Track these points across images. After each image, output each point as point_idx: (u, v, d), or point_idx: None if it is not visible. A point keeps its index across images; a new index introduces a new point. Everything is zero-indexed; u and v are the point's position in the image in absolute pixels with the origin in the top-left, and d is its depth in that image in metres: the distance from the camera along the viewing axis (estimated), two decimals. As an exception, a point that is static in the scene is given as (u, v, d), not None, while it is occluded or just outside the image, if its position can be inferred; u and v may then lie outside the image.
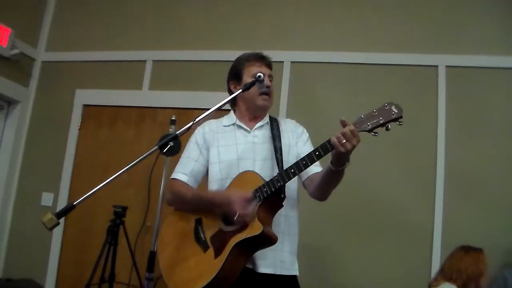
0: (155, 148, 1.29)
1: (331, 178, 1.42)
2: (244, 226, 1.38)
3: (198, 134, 1.63)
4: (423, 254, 2.32)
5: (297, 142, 1.63)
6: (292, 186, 1.49)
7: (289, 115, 2.60)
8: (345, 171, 1.37)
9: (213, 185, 1.55)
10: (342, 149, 1.28)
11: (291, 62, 2.73)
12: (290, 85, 2.71)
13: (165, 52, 2.98)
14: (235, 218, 1.37)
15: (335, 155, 1.33)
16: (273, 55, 2.50)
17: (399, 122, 1.29)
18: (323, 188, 1.49)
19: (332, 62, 2.68)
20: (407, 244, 2.36)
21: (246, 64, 1.62)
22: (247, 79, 1.58)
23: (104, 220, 2.43)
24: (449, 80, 2.51)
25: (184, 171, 1.58)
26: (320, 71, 2.70)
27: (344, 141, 1.27)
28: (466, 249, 1.90)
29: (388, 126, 1.30)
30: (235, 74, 1.64)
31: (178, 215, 1.58)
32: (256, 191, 1.41)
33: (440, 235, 2.32)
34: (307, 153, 1.41)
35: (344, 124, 1.29)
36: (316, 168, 1.51)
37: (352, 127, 1.28)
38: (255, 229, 1.36)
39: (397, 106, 1.29)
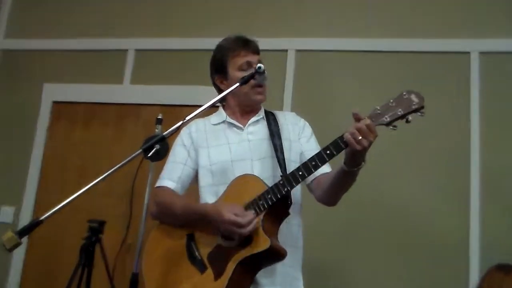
0: (138, 151, 1.29)
1: (344, 180, 1.42)
2: (247, 239, 1.38)
3: (184, 135, 1.64)
4: (457, 274, 2.28)
5: (300, 137, 1.64)
6: (295, 189, 1.48)
7: (294, 111, 2.51)
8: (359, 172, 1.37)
9: (205, 192, 1.56)
10: (358, 147, 1.28)
11: (296, 50, 2.75)
12: (295, 77, 2.72)
13: (149, 40, 2.98)
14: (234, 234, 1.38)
15: (349, 154, 1.33)
16: (276, 43, 2.47)
17: (421, 113, 1.29)
18: (333, 192, 1.50)
19: (344, 50, 2.69)
20: (437, 262, 2.34)
21: (230, 55, 1.62)
22: (234, 73, 1.59)
23: (77, 237, 2.40)
24: (483, 68, 2.49)
25: (172, 177, 1.59)
26: (330, 61, 2.70)
27: (360, 137, 1.27)
28: (507, 270, 1.84)
29: (408, 118, 1.30)
30: (219, 67, 1.65)
31: (165, 230, 1.57)
32: (258, 198, 1.41)
33: (478, 253, 2.30)
34: (313, 151, 1.43)
35: (357, 118, 1.30)
36: (324, 168, 1.50)
37: (368, 121, 1.28)
38: (262, 243, 1.36)
39: (417, 95, 1.30)
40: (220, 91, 1.65)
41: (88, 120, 3.02)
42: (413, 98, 1.29)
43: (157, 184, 1.61)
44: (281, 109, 2.61)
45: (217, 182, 1.55)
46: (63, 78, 3.04)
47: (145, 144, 1.28)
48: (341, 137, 1.33)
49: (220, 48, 1.66)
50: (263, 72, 1.48)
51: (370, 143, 1.28)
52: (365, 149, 1.30)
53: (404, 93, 1.32)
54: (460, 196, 2.37)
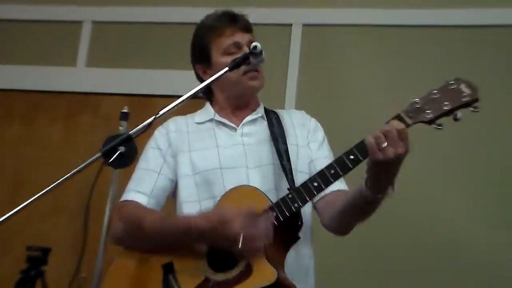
0: (96, 156, 1.22)
1: (361, 208, 1.37)
2: (246, 271, 1.34)
3: (159, 136, 1.60)
4: None
5: (309, 141, 1.60)
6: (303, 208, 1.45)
7: (299, 103, 2.58)
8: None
9: (187, 209, 1.51)
10: (380, 156, 1.20)
11: (303, 25, 2.67)
12: (301, 57, 2.65)
13: (111, 9, 2.89)
14: (239, 246, 1.29)
15: (371, 170, 1.26)
16: (278, 15, 2.49)
17: (474, 108, 1.24)
18: (345, 221, 1.46)
19: (360, 24, 2.63)
20: (470, 281, 2.29)
21: (212, 36, 1.58)
22: (220, 59, 1.55)
23: (11, 270, 2.07)
24: None
25: (142, 189, 1.53)
26: (343, 37, 2.65)
27: (385, 144, 1.20)
28: None
29: (457, 114, 1.24)
30: (199, 52, 1.61)
31: (133, 258, 1.49)
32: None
33: None
34: (326, 159, 1.44)
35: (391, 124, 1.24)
36: (337, 184, 1.42)
37: (401, 126, 1.22)
38: (265, 276, 1.30)
39: (469, 84, 1.25)
40: (202, 82, 1.60)
41: (30, 114, 2.92)
42: (464, 88, 1.24)
43: (123, 198, 1.55)
44: (282, 98, 2.57)
45: (203, 196, 1.50)
46: None
47: (106, 146, 1.22)
48: (363, 141, 1.30)
49: (200, 29, 1.62)
50: (260, 53, 1.38)
51: (398, 156, 1.20)
52: (390, 163, 1.21)
53: (452, 82, 1.26)
54: (500, 210, 2.32)
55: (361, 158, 1.28)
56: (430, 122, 1.25)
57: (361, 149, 1.28)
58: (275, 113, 1.64)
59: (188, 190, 1.52)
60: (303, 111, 1.68)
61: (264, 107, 1.65)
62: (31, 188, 1.26)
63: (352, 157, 1.29)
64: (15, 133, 2.88)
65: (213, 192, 1.48)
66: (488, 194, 2.35)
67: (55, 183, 1.18)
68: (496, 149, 2.39)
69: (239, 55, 1.44)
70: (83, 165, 1.20)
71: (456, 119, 1.23)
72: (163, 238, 1.43)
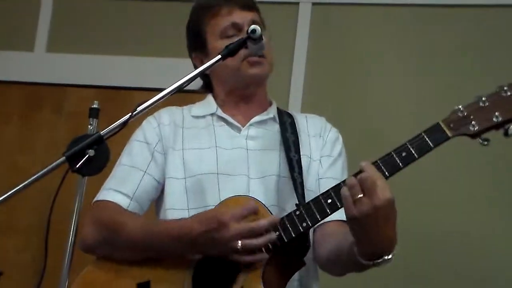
0: (60, 160, 1.18)
1: (352, 266, 1.34)
2: None
3: (148, 127, 1.58)
4: None
5: (322, 155, 1.58)
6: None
7: (307, 86, 2.60)
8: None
9: (174, 217, 1.46)
10: (354, 212, 1.17)
11: (312, 3, 2.67)
12: (310, 40, 2.64)
13: None
14: (234, 256, 1.31)
15: (351, 230, 1.23)
16: None
17: None
18: (337, 268, 1.45)
19: (378, 4, 2.64)
20: None
21: (207, 16, 1.56)
22: (215, 43, 1.53)
23: None
24: None
25: (123, 189, 1.51)
26: (358, 17, 2.66)
27: (360, 195, 1.18)
28: None
29: (510, 127, 1.22)
30: (194, 40, 1.61)
31: (105, 271, 1.47)
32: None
33: None
34: (336, 181, 1.40)
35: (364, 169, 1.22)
36: (339, 212, 1.39)
37: (376, 174, 1.19)
38: None
39: None
40: (204, 76, 1.58)
41: None
42: None
43: (98, 198, 1.52)
44: (287, 86, 2.55)
45: (193, 205, 1.48)
46: None
47: (71, 148, 1.18)
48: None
49: (194, 10, 1.62)
50: (260, 38, 1.34)
51: (375, 210, 1.15)
52: (367, 219, 1.17)
53: (505, 88, 1.24)
54: None
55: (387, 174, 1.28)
56: (474, 135, 1.23)
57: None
58: (290, 116, 1.63)
59: (176, 196, 1.51)
60: (323, 118, 1.67)
61: (278, 108, 1.65)
62: None
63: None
64: None
65: (205, 200, 1.47)
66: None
67: (7, 194, 1.14)
68: None
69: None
70: (42, 171, 1.18)
71: (507, 134, 1.23)
72: (146, 248, 1.41)
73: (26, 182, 1.15)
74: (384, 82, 2.56)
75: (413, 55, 2.58)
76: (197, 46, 1.59)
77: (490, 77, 2.40)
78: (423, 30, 2.60)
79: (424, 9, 2.61)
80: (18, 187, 1.15)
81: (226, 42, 1.44)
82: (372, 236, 1.21)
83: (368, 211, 1.17)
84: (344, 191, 1.21)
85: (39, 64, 2.80)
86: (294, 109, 2.49)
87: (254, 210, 1.34)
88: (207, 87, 1.64)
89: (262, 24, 1.58)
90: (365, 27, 2.65)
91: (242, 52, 1.42)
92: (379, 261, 1.23)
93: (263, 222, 1.32)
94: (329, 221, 1.44)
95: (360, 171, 1.22)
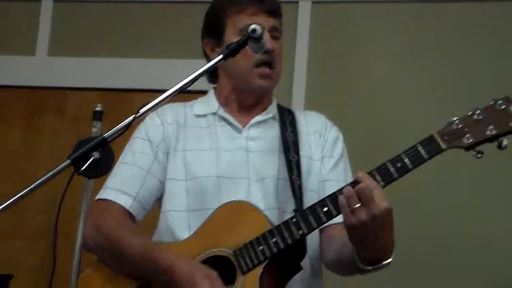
0: (65, 163, 1.16)
1: (353, 270, 1.35)
2: None
3: (151, 125, 1.58)
4: None
5: (323, 156, 1.59)
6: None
7: (310, 85, 2.61)
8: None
9: (172, 220, 1.52)
10: (352, 221, 1.21)
11: (312, 2, 2.67)
12: (311, 40, 2.65)
13: None
14: None
15: (349, 237, 1.26)
16: None
17: None
18: (342, 270, 1.47)
19: (379, 1, 2.64)
20: None
21: (230, 11, 1.57)
22: (232, 37, 1.52)
23: None
24: None
25: (126, 189, 1.51)
26: (360, 15, 2.66)
27: (358, 205, 1.21)
28: None
29: (503, 141, 1.24)
30: (212, 27, 1.61)
31: (105, 272, 1.48)
32: (257, 242, 1.37)
33: None
34: (340, 183, 1.43)
35: (360, 180, 1.25)
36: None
37: (373, 184, 1.22)
38: None
39: None
40: (209, 62, 1.56)
41: None
42: None
43: (102, 196, 1.51)
44: (289, 84, 2.56)
45: (193, 207, 1.50)
46: None
47: (76, 151, 1.17)
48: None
49: (217, 1, 1.64)
50: (260, 37, 1.33)
51: (373, 219, 1.19)
52: (365, 227, 1.20)
53: (500, 102, 1.26)
54: None
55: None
56: (468, 148, 1.25)
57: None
58: (291, 113, 1.63)
59: (178, 198, 1.51)
60: (323, 116, 1.67)
61: (278, 105, 1.65)
62: None
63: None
64: None
65: (205, 203, 1.47)
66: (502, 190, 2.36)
67: (14, 199, 1.13)
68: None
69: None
70: (48, 175, 1.17)
71: (500, 147, 1.23)
72: (140, 269, 1.42)
73: (32, 186, 1.15)
74: (386, 79, 2.55)
75: (414, 51, 2.56)
76: (212, 33, 1.59)
77: (490, 75, 2.41)
78: (424, 26, 2.58)
79: (425, 5, 2.59)
80: (24, 191, 1.15)
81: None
82: (370, 243, 1.24)
83: (366, 220, 1.20)
84: (342, 200, 1.24)
85: (41, 68, 2.81)
86: (297, 107, 2.48)
87: None
88: (212, 77, 1.64)
89: (280, 32, 1.60)
90: (365, 24, 2.63)
91: (256, 56, 1.46)
92: (377, 266, 1.27)
93: None
94: (335, 223, 1.44)
95: (356, 181, 1.25)
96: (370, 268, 1.27)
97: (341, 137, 1.64)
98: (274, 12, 1.58)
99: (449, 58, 2.51)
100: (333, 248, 1.48)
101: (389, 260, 1.27)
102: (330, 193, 1.36)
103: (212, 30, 1.59)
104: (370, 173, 1.28)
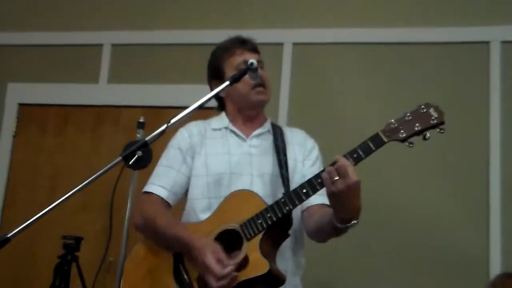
0: (118, 159, 1.33)
1: (333, 232, 1.48)
2: (244, 262, 1.44)
3: (181, 137, 1.71)
4: None
5: (304, 159, 1.71)
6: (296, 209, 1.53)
7: (291, 113, 2.73)
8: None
9: (197, 205, 1.63)
10: (332, 189, 1.33)
11: (293, 43, 2.85)
12: (292, 74, 2.80)
13: (128, 33, 3.08)
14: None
15: (330, 202, 1.39)
16: (270, 35, 2.56)
17: (440, 130, 1.37)
18: (322, 235, 1.57)
19: (347, 42, 2.76)
20: (456, 278, 2.42)
21: (225, 55, 1.71)
22: (230, 74, 1.65)
23: (51, 256, 2.47)
24: (505, 59, 2.58)
25: (163, 184, 1.64)
26: (331, 55, 2.77)
27: (337, 177, 1.32)
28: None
29: (426, 134, 1.38)
30: (215, 72, 1.74)
31: (150, 245, 1.63)
32: (257, 217, 1.48)
33: (500, 269, 2.38)
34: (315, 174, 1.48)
35: (337, 161, 1.35)
36: (318, 198, 1.55)
37: (347, 163, 1.33)
38: (260, 267, 1.42)
39: (436, 109, 1.38)
40: (219, 99, 1.74)
41: (61, 125, 3.11)
42: (432, 112, 1.37)
43: (146, 189, 1.65)
44: (277, 111, 2.69)
45: (212, 195, 1.61)
46: (31, 77, 3.14)
47: (126, 150, 1.33)
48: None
49: (214, 52, 1.77)
50: (256, 69, 1.54)
51: (348, 187, 1.31)
52: (343, 194, 1.32)
53: (422, 106, 1.39)
54: (479, 208, 2.47)
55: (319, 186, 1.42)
56: (403, 140, 1.38)
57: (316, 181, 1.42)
58: (280, 128, 1.75)
59: (200, 189, 1.64)
60: (303, 131, 1.79)
61: (271, 122, 1.77)
62: (63, 188, 1.32)
63: (319, 180, 1.44)
64: (49, 142, 3.09)
65: (220, 192, 1.60)
66: (446, 184, 2.51)
67: (84, 183, 1.29)
68: (451, 147, 2.46)
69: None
70: (106, 167, 1.30)
71: (425, 139, 1.37)
72: (167, 242, 1.57)
73: (96, 175, 1.30)
74: (351, 106, 2.68)
75: (375, 85, 2.68)
76: (216, 76, 1.72)
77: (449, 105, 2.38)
78: (382, 64, 2.71)
79: (382, 47, 2.72)
80: (91, 178, 1.30)
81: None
82: (345, 205, 1.35)
83: (342, 188, 1.32)
84: (325, 175, 1.35)
85: (103, 92, 3.08)
86: (282, 122, 2.64)
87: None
88: (221, 106, 1.78)
89: (262, 63, 1.73)
90: (335, 62, 2.76)
91: (250, 82, 1.61)
92: (349, 224, 1.38)
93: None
94: (313, 204, 1.59)
95: (334, 162, 1.36)
96: (343, 226, 1.38)
97: (316, 146, 1.76)
98: (255, 49, 1.73)
99: (407, 91, 2.63)
100: (313, 220, 1.58)
101: (356, 221, 1.38)
102: (307, 179, 1.48)
103: (215, 73, 1.73)
104: (344, 156, 1.38)
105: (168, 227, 1.54)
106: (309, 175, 1.54)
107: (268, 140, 1.70)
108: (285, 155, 1.65)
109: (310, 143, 1.75)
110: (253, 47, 1.73)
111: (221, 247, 1.46)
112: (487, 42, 2.61)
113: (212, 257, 1.41)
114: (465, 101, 2.56)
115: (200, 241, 1.47)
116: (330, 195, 1.35)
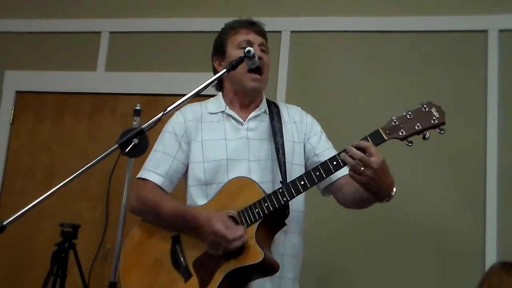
0: (114, 147, 1.33)
1: (373, 203, 1.48)
2: (240, 250, 1.44)
3: (176, 122, 1.68)
4: (473, 277, 2.22)
5: (309, 137, 1.70)
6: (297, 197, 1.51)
7: (289, 101, 2.65)
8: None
9: (195, 192, 1.63)
10: (363, 180, 1.35)
11: (291, 32, 2.84)
12: (290, 62, 2.79)
13: (126, 20, 3.07)
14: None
15: (366, 190, 1.39)
16: (268, 23, 2.49)
17: (440, 130, 1.37)
18: (362, 206, 1.57)
19: (345, 31, 2.77)
20: (451, 267, 2.43)
21: (230, 33, 1.70)
22: (232, 51, 1.66)
23: (48, 243, 2.49)
24: (503, 48, 2.57)
25: (158, 170, 1.63)
26: (329, 43, 2.77)
27: (362, 168, 1.33)
28: (509, 268, 1.91)
29: (426, 134, 1.37)
30: (217, 46, 1.73)
31: (147, 228, 1.62)
32: (254, 206, 1.48)
33: (495, 257, 2.38)
34: (329, 151, 1.56)
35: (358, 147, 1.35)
36: (344, 170, 1.51)
37: (368, 144, 1.33)
38: (254, 255, 1.43)
39: (438, 109, 1.37)
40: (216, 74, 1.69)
41: (58, 112, 3.11)
42: (434, 112, 1.37)
43: (140, 175, 1.64)
44: (273, 98, 2.44)
45: (209, 181, 1.61)
46: (28, 65, 3.13)
47: (122, 138, 1.33)
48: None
49: (223, 29, 1.76)
50: (253, 56, 1.51)
51: (375, 171, 1.32)
52: (375, 178, 1.33)
53: (424, 106, 1.38)
54: (476, 197, 2.47)
55: (342, 165, 1.42)
56: (402, 139, 1.39)
57: (339, 162, 1.42)
58: (276, 105, 1.72)
59: (197, 175, 1.63)
60: (299, 108, 1.77)
61: (266, 99, 1.74)
62: (60, 176, 1.33)
63: (334, 163, 1.44)
64: (46, 130, 3.09)
65: (218, 178, 1.60)
66: (444, 174, 2.52)
67: (81, 171, 1.28)
68: (449, 137, 2.23)
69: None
70: (102, 155, 1.30)
71: (424, 138, 1.37)
72: (173, 223, 1.56)
73: (92, 162, 1.30)
74: (348, 93, 2.69)
75: (371, 72, 2.69)
76: (218, 52, 1.73)
77: (421, 88, 2.55)
78: (378, 52, 2.71)
79: (379, 35, 2.72)
80: (87, 165, 1.29)
81: (239, 52, 1.59)
82: (380, 187, 1.37)
83: (372, 175, 1.34)
84: (351, 173, 1.35)
85: (100, 80, 3.07)
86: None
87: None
88: (220, 86, 1.75)
89: (267, 47, 1.71)
90: (332, 50, 2.76)
91: (249, 64, 1.56)
92: (390, 198, 1.41)
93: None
94: (340, 177, 1.58)
95: (344, 150, 1.37)
96: (385, 201, 1.41)
97: (315, 120, 1.75)
98: (262, 32, 1.72)
99: (405, 79, 2.63)
100: (348, 191, 1.57)
101: (395, 190, 1.40)
102: (301, 174, 1.47)
103: (218, 49, 1.72)
104: (364, 138, 1.40)
105: (169, 207, 1.55)
106: (321, 152, 1.61)
107: (265, 121, 1.68)
108: (281, 136, 1.64)
109: (309, 118, 1.74)
110: (259, 30, 1.71)
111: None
112: (485, 31, 2.62)
113: (221, 224, 1.42)
114: (463, 89, 2.57)
115: (205, 213, 1.48)
116: (363, 185, 1.35)
